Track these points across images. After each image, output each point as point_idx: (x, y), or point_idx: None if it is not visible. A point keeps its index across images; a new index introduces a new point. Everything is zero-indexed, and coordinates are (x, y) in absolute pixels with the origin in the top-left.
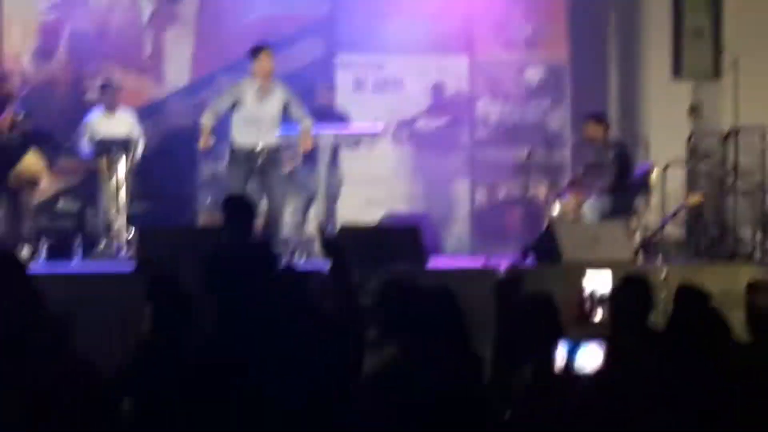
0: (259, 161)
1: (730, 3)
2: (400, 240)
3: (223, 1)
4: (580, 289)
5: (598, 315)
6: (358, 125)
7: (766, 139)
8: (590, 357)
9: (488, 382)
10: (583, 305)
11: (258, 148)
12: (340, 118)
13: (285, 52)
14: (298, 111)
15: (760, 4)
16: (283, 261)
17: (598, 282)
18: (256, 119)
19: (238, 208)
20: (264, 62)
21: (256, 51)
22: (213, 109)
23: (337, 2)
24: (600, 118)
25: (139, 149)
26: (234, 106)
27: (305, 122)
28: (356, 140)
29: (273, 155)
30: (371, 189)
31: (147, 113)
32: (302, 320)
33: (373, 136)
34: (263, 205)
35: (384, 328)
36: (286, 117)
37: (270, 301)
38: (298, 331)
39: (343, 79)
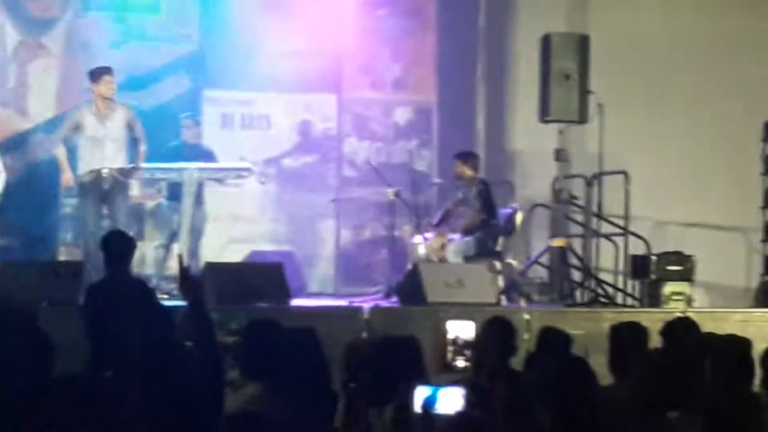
0: (106, 187)
1: (597, 48)
2: (263, 278)
3: (90, 33)
4: (444, 337)
5: (461, 362)
6: (223, 162)
7: (628, 184)
8: (450, 401)
9: (345, 422)
10: (446, 352)
11: (104, 173)
12: (205, 154)
13: (152, 86)
14: (139, 133)
15: (625, 50)
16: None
17: (461, 328)
18: (99, 141)
19: (118, 245)
20: (104, 85)
21: (97, 73)
22: (59, 136)
23: (205, 38)
24: (467, 157)
25: (0, 184)
26: (76, 129)
27: (141, 146)
28: (222, 177)
29: (120, 182)
30: (236, 227)
31: (9, 146)
32: (172, 358)
33: (239, 173)
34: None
35: (245, 367)
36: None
37: (145, 338)
38: (167, 369)
39: (210, 116)
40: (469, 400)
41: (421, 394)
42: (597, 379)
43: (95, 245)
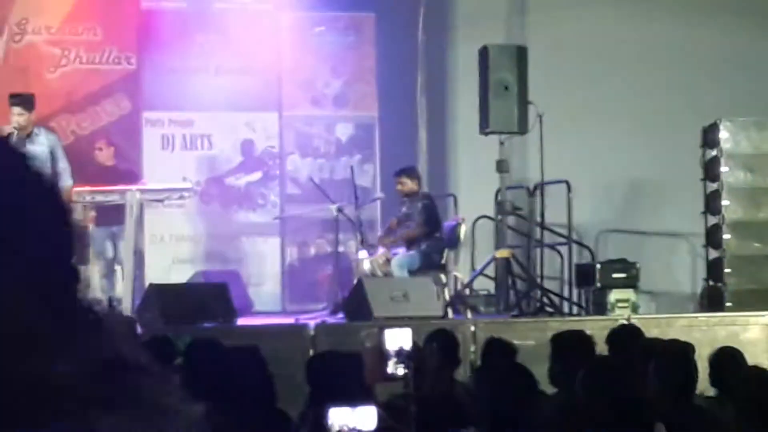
0: None
1: (535, 59)
2: (209, 298)
3: (28, 55)
4: (383, 348)
5: (401, 372)
6: (165, 183)
7: (570, 194)
8: (367, 418)
9: None
10: (385, 363)
11: None
12: (124, 175)
13: (91, 108)
14: (60, 163)
15: (564, 60)
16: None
17: (400, 339)
18: None
19: None
20: (14, 114)
21: (10, 99)
22: None
23: (143, 58)
24: (411, 172)
25: None
26: None
27: (61, 181)
28: (164, 198)
29: None
30: (180, 247)
31: None
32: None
33: (181, 194)
34: None
35: (190, 387)
36: None
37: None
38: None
39: (150, 137)
40: (383, 419)
41: (336, 413)
42: (538, 387)
43: None
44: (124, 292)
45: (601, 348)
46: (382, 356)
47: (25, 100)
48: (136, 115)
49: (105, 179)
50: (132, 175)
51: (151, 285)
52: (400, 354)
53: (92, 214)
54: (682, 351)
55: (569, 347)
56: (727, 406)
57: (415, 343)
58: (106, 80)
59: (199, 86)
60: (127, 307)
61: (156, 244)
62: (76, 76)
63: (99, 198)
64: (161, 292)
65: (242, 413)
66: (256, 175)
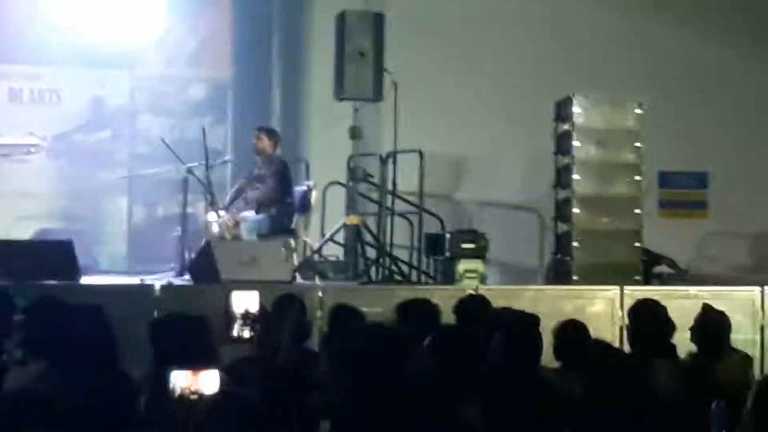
0: None
1: (392, 26)
2: (52, 255)
3: None
4: (229, 310)
5: (246, 334)
6: (11, 137)
7: (423, 163)
8: (209, 381)
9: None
10: (231, 326)
11: None
12: None
13: None
14: None
15: (421, 29)
16: None
17: (247, 302)
18: None
19: None
20: None
21: None
22: None
23: None
24: (270, 132)
25: None
26: None
27: None
28: (8, 152)
29: None
30: (24, 204)
31: None
32: None
33: (28, 149)
34: None
35: (30, 345)
36: None
37: None
38: None
39: None
40: (225, 383)
41: (178, 376)
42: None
43: None
44: None
45: (448, 317)
46: (229, 319)
47: None
48: None
49: None
50: None
51: None
52: (247, 317)
53: None
54: (528, 322)
55: (416, 315)
56: (571, 379)
57: (262, 306)
58: None
59: (49, 40)
60: None
61: None
62: None
63: None
64: (3, 248)
65: (83, 373)
66: (106, 133)
